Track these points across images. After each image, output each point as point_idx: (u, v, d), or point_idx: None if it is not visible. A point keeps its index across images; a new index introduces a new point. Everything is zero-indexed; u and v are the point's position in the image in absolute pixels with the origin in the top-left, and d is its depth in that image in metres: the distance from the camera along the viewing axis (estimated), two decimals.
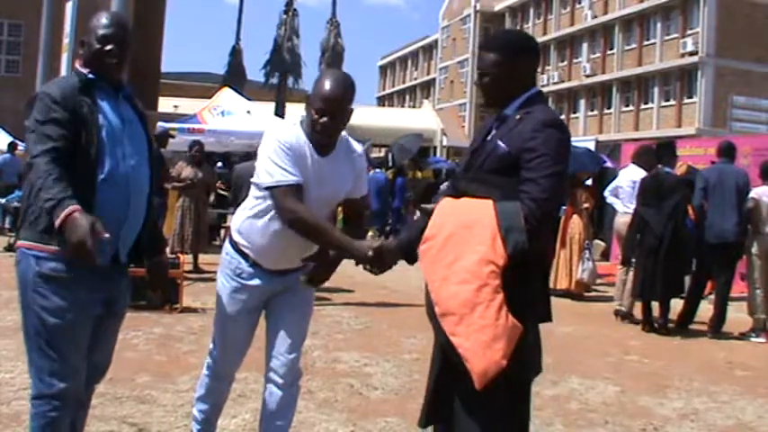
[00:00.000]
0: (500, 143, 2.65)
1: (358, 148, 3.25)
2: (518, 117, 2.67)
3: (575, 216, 9.76)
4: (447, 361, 2.62)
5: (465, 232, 2.56)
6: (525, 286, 2.58)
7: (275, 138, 3.00)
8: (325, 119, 2.95)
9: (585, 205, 9.89)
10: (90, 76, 2.79)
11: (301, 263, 3.15)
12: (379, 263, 2.85)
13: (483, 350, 2.44)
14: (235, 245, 3.22)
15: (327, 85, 2.97)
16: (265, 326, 3.29)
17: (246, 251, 3.18)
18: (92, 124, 2.69)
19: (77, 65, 2.86)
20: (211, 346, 3.35)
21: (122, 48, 2.81)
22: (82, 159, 2.66)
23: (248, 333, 3.29)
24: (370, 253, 2.83)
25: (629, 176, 8.66)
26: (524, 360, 2.54)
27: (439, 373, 2.72)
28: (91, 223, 2.46)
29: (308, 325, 3.33)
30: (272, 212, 3.07)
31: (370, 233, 14.30)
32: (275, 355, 3.19)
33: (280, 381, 3.18)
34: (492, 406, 2.53)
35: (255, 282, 3.18)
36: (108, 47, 2.78)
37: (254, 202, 3.17)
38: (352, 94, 3.04)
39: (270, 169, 2.98)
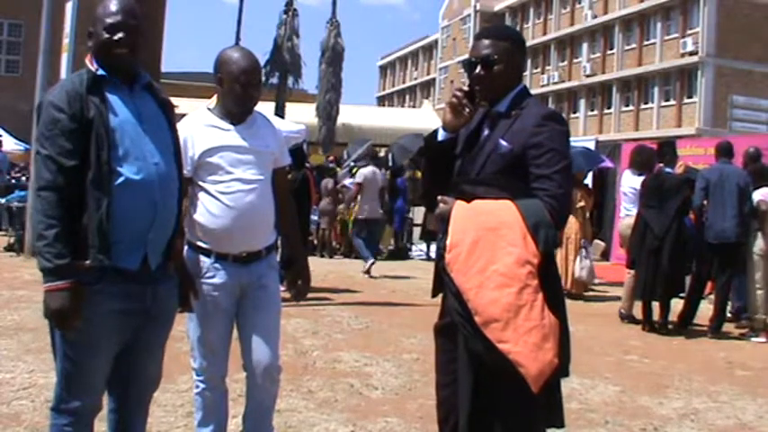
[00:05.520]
0: (502, 142, 2.60)
1: (290, 126, 3.48)
2: (513, 113, 2.65)
3: (570, 216, 9.73)
4: (479, 372, 2.52)
5: (492, 235, 2.49)
6: (555, 281, 2.59)
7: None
8: (252, 89, 3.18)
9: (581, 204, 9.88)
10: (99, 72, 2.58)
11: (262, 246, 3.20)
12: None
13: (535, 353, 2.38)
14: (192, 245, 3.17)
15: (244, 60, 3.18)
16: (237, 331, 3.26)
17: (206, 246, 3.14)
18: (102, 126, 2.50)
19: (87, 60, 2.64)
20: (192, 360, 3.26)
21: (133, 36, 2.59)
22: (95, 165, 2.48)
23: (226, 334, 3.23)
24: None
25: (629, 183, 8.79)
26: (565, 355, 2.52)
27: (473, 386, 2.56)
28: (74, 305, 2.45)
29: (280, 322, 3.31)
30: (211, 196, 3.13)
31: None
32: (253, 360, 3.18)
33: (261, 385, 3.20)
34: (536, 405, 2.49)
35: (221, 279, 3.14)
36: (117, 36, 2.57)
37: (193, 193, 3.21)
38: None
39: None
